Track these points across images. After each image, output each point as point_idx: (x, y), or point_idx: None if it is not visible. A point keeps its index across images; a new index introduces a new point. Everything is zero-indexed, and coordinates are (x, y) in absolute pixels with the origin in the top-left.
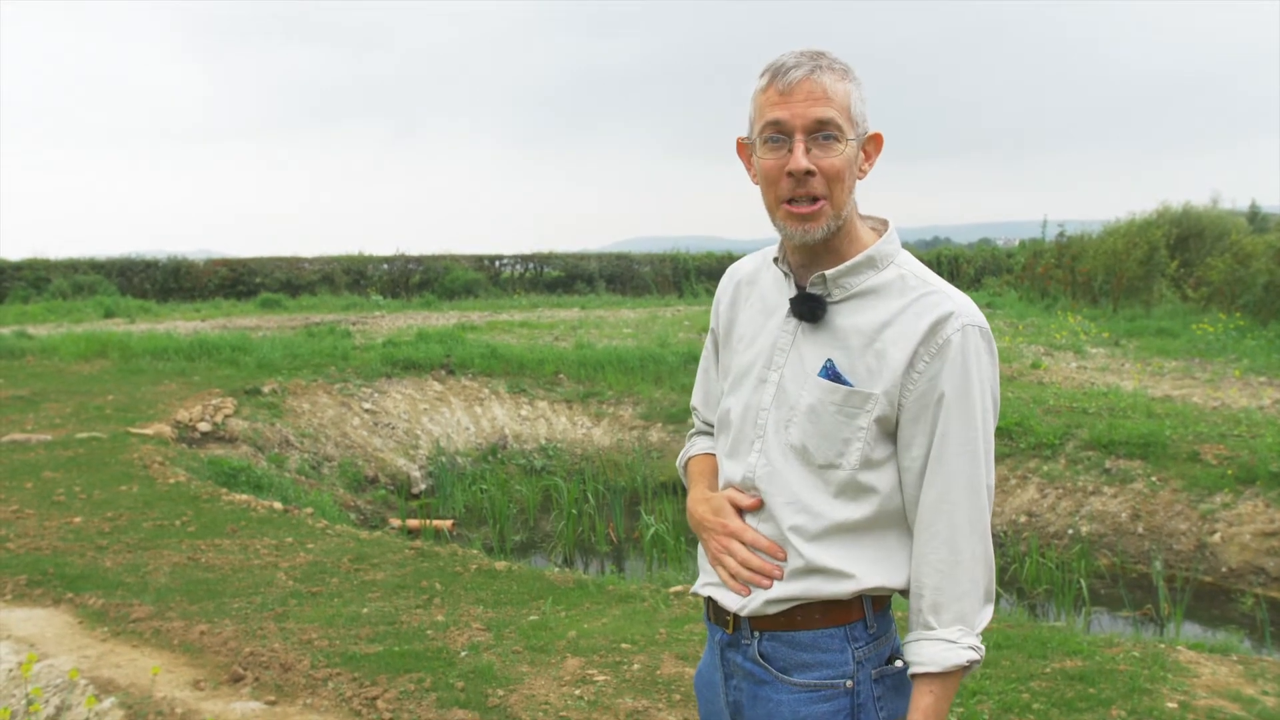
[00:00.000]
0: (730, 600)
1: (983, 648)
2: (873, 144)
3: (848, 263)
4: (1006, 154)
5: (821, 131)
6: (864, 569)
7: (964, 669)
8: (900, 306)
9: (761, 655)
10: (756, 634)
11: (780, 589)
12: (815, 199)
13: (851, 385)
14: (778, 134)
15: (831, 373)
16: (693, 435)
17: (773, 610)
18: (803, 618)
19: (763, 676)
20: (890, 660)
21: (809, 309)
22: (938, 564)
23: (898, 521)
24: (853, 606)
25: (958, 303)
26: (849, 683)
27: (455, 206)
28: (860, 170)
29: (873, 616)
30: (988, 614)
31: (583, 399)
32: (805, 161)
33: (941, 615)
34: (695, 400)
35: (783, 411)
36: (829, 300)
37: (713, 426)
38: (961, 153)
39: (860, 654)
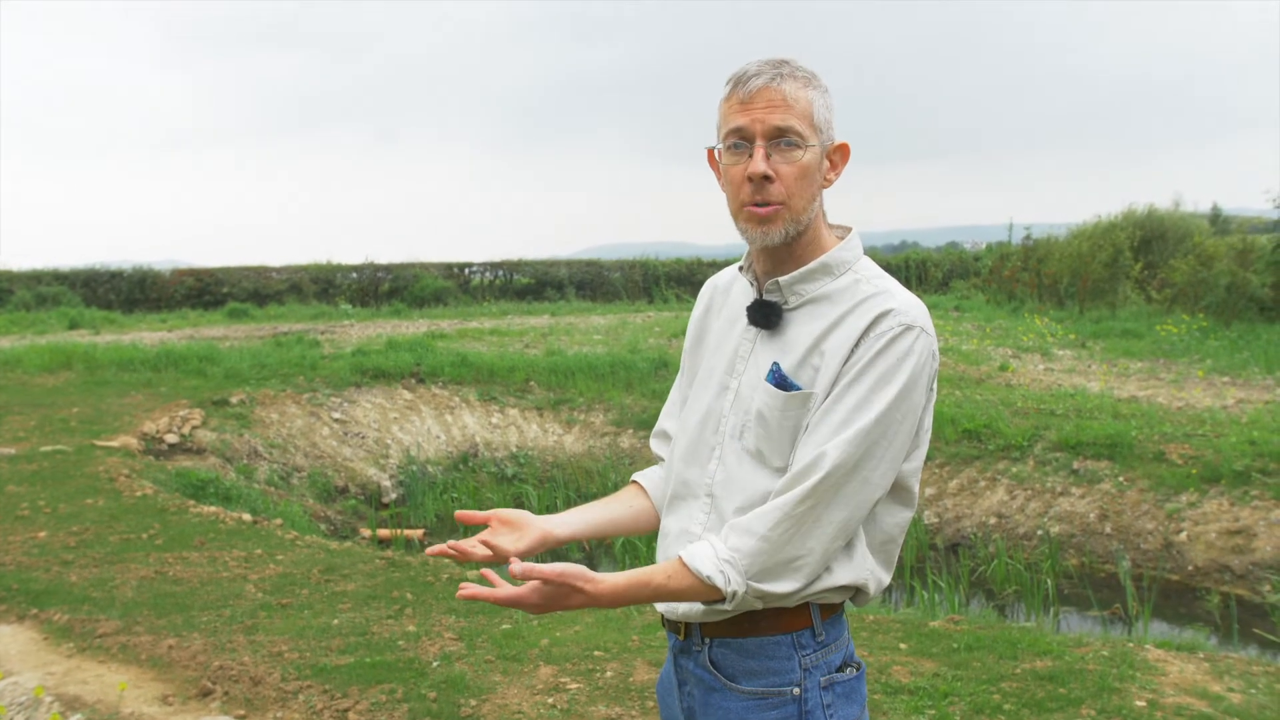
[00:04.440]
0: (672, 606)
1: (739, 592)
2: (839, 154)
3: (802, 269)
4: (973, 158)
5: (782, 138)
6: None
7: (706, 586)
8: (847, 310)
9: (712, 662)
10: (707, 641)
11: None
12: (774, 203)
13: (797, 389)
14: (740, 140)
15: (777, 376)
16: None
17: (718, 617)
18: (750, 624)
19: (712, 684)
20: (842, 668)
21: (763, 315)
22: (768, 507)
23: None
24: (799, 614)
25: (900, 302)
26: (796, 690)
27: (427, 214)
28: (825, 179)
29: (821, 625)
30: (777, 586)
31: (553, 406)
32: (764, 166)
33: (730, 537)
34: (660, 423)
35: (739, 417)
36: (785, 307)
37: (662, 458)
38: (928, 156)
39: (808, 661)
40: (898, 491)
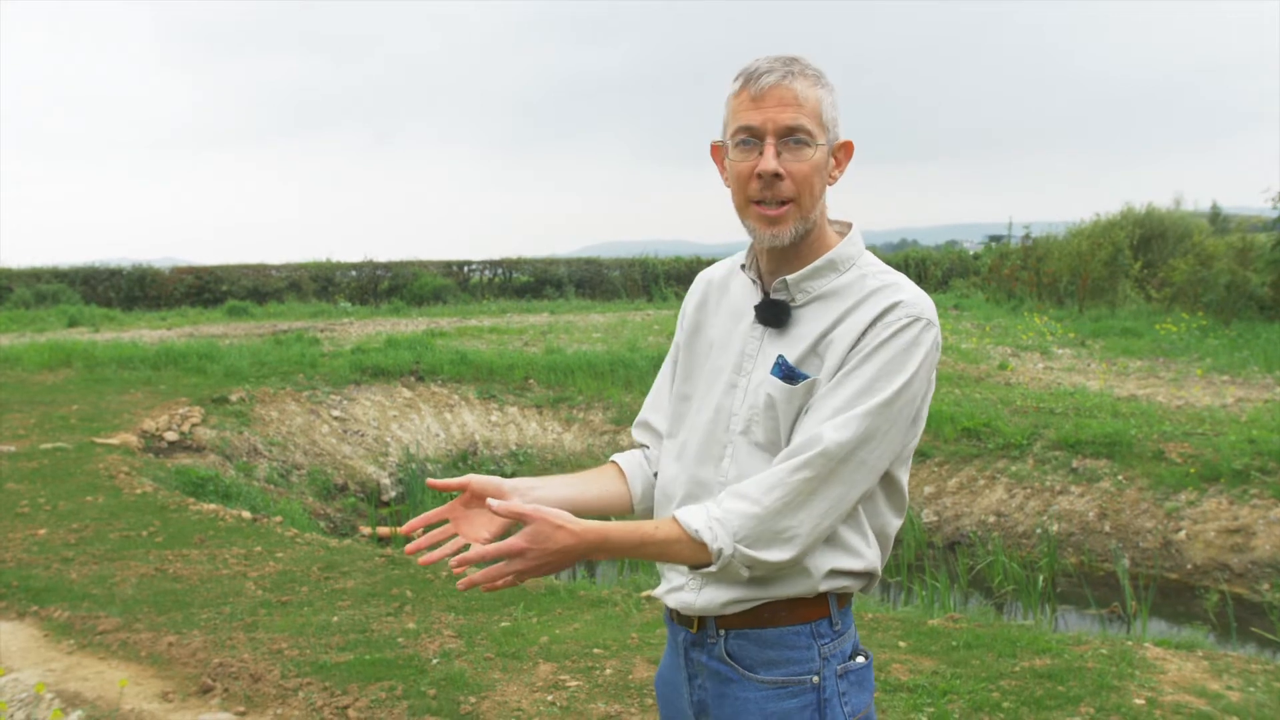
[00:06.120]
0: (687, 602)
1: (724, 550)
2: (843, 151)
3: (809, 267)
4: (973, 157)
5: (792, 136)
6: (819, 560)
7: (695, 542)
8: (856, 302)
9: (728, 654)
10: (723, 633)
11: (743, 590)
12: (783, 201)
13: (806, 377)
14: (749, 137)
15: (784, 369)
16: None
17: (735, 610)
18: (769, 615)
19: (729, 675)
20: (853, 656)
21: (773, 314)
22: (764, 474)
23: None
24: (818, 603)
25: (909, 295)
26: (815, 678)
27: (427, 216)
28: (830, 176)
29: (837, 614)
30: (767, 554)
31: (553, 404)
32: (774, 164)
33: (725, 500)
34: (645, 414)
35: (747, 413)
36: (793, 305)
37: (646, 445)
38: (928, 156)
39: (826, 650)
40: (890, 490)
